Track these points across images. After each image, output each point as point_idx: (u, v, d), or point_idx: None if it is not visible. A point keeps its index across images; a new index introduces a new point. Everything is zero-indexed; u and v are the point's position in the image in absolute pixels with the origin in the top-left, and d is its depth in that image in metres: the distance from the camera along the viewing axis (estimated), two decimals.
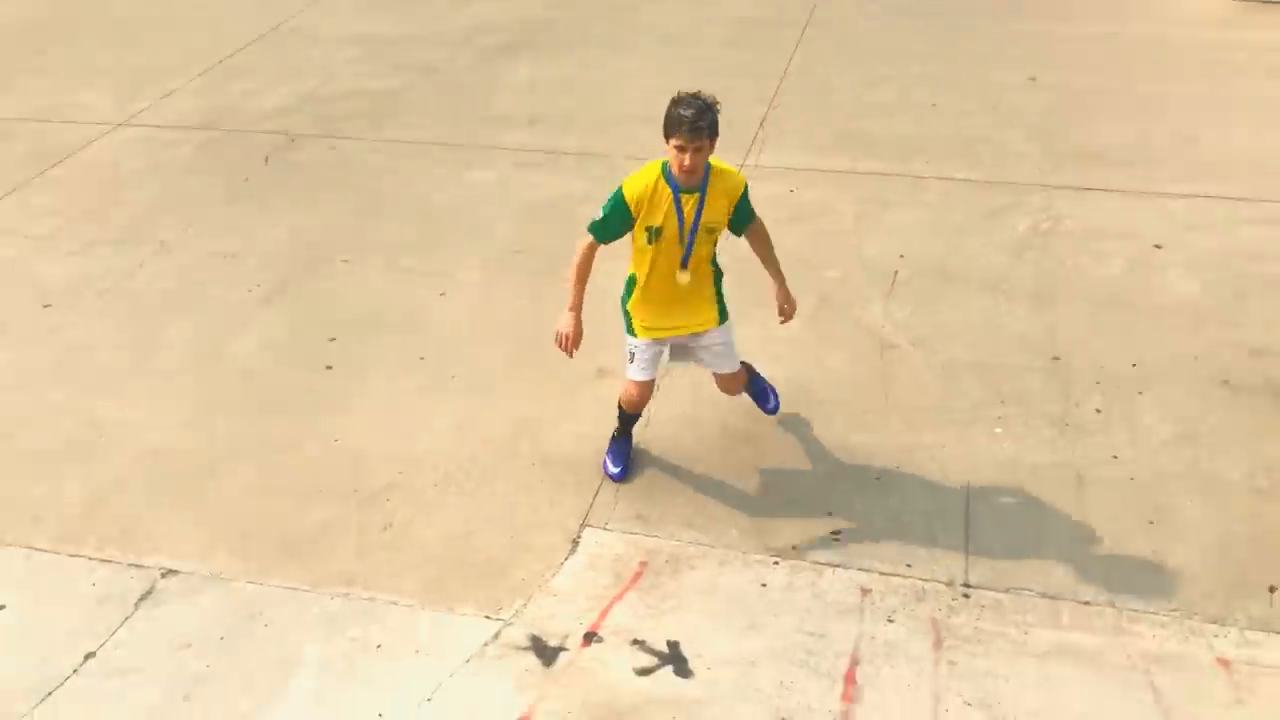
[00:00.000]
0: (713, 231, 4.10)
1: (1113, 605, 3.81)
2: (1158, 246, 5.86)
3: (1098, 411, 4.74)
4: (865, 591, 3.90)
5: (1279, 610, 3.77)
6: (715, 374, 4.45)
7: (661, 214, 4.00)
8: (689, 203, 3.99)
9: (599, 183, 6.72)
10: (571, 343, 4.23)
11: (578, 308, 4.22)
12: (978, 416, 4.76)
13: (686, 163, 3.87)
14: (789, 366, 5.06)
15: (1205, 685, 3.47)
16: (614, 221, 4.09)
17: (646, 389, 4.36)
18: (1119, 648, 3.62)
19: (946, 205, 6.32)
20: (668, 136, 3.88)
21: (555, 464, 4.56)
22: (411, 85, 8.25)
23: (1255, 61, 8.01)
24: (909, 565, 4.01)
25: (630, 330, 4.31)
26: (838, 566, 4.03)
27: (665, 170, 3.98)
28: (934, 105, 7.56)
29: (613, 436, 4.56)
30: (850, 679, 3.50)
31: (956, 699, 3.41)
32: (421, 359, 5.24)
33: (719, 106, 3.87)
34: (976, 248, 5.92)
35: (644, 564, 4.06)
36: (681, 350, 4.38)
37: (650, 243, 4.06)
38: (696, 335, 4.29)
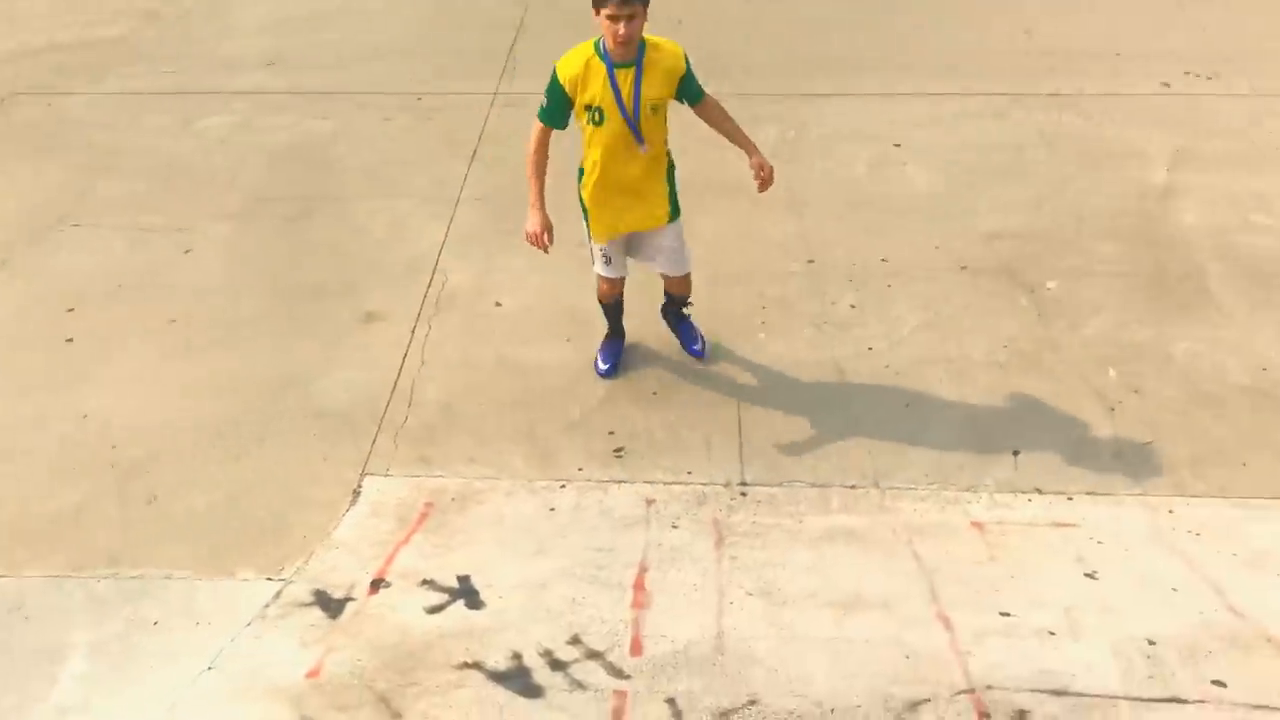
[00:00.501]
0: (657, 109, 3.95)
1: (877, 486, 4.04)
2: (896, 145, 6.16)
3: (852, 307, 4.98)
4: (650, 502, 3.99)
5: (1023, 472, 4.09)
6: (664, 276, 4.46)
7: (598, 91, 3.86)
8: (625, 78, 3.83)
9: (347, 121, 6.50)
10: (541, 239, 4.11)
11: (539, 203, 4.10)
12: (744, 324, 4.91)
13: (621, 32, 3.69)
14: (565, 292, 5.07)
15: (961, 547, 3.74)
16: (553, 103, 3.95)
17: (617, 284, 4.43)
18: (884, 524, 3.85)
19: (695, 118, 6.40)
20: (597, 8, 3.71)
21: (328, 415, 4.42)
22: (134, 32, 7.68)
23: None
24: (689, 472, 4.13)
25: (588, 231, 4.29)
26: (622, 482, 4.10)
27: (599, 46, 3.84)
28: (680, 22, 7.62)
29: (605, 336, 4.63)
30: (639, 586, 3.59)
31: (739, 590, 3.56)
32: (172, 321, 4.95)
33: None
34: (728, 157, 6.04)
35: (430, 505, 4.01)
36: (635, 248, 4.35)
37: (595, 123, 3.95)
38: (649, 233, 4.26)
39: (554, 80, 3.94)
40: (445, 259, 5.31)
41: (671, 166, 4.26)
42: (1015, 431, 4.28)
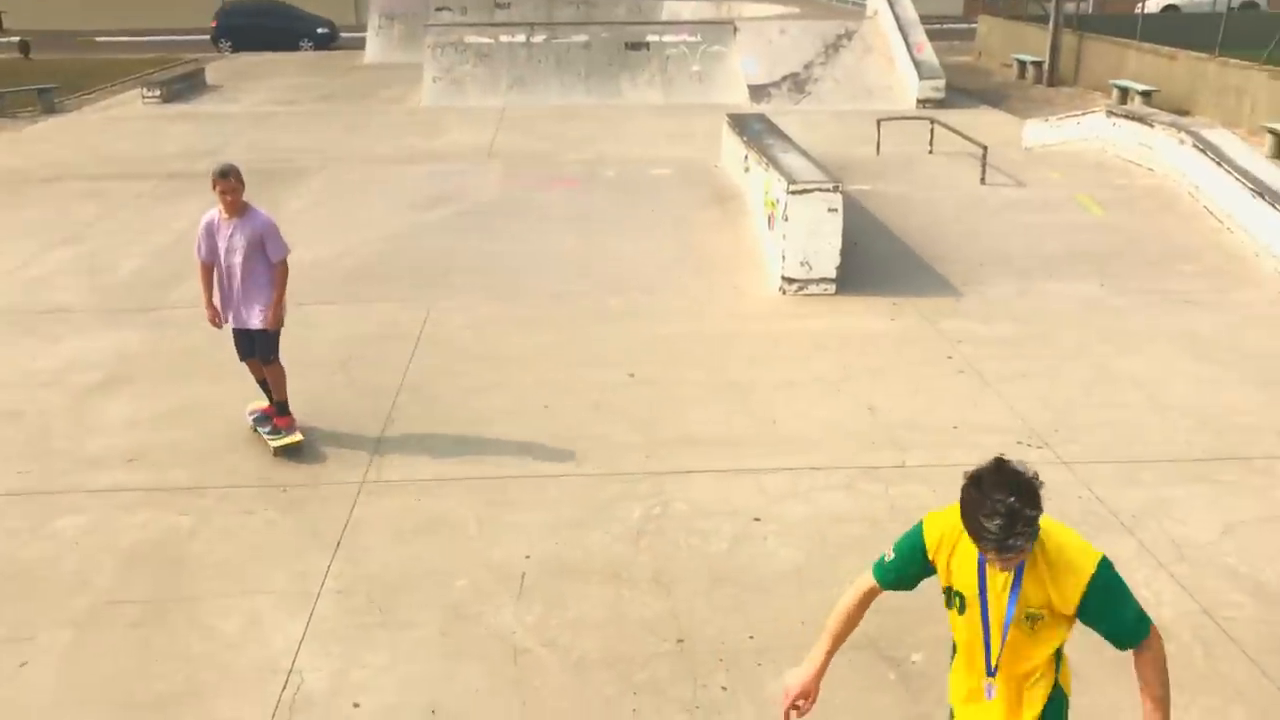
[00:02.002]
0: (1036, 621, 3.00)
1: None
2: (757, 520, 6.35)
3: (724, 689, 4.91)
4: None
5: None
6: None
7: (963, 575, 3.05)
8: (998, 576, 2.97)
9: (206, 516, 6.41)
10: (791, 705, 3.40)
11: (818, 661, 3.41)
12: (612, 711, 4.77)
13: (996, 564, 2.94)
14: (428, 687, 4.88)
15: None
16: (901, 561, 3.22)
17: None
18: None
19: (565, 501, 6.54)
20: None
21: None
22: None
23: (809, 346, 9.14)
24: None
25: None
26: None
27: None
28: (546, 407, 7.95)
29: None
30: None
31: None
32: None
33: (1040, 485, 2.92)
34: (597, 540, 6.13)
35: None
36: None
37: (955, 610, 3.12)
38: None
39: (917, 535, 3.24)
40: (302, 658, 5.11)
41: (1058, 701, 3.23)
42: None
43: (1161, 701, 2.94)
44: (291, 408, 7.30)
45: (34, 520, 6.41)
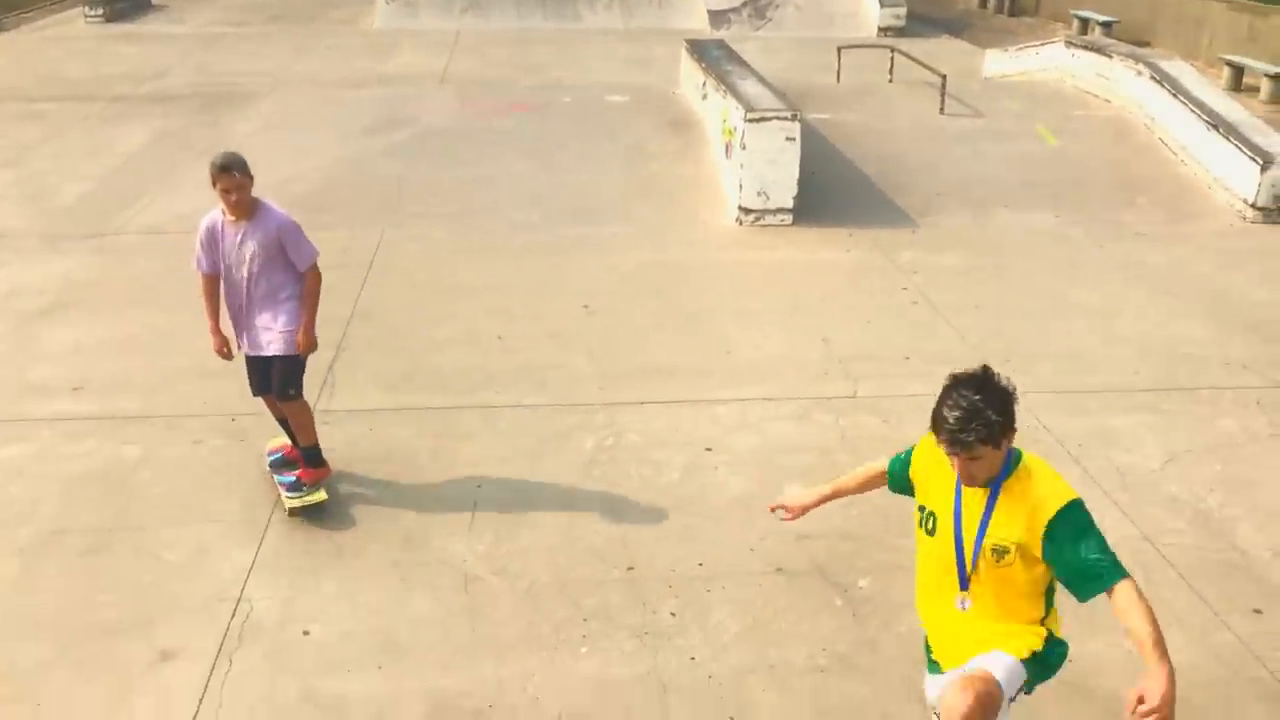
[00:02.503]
0: (1002, 555, 3.05)
1: None
2: (708, 449, 6.37)
3: (673, 615, 4.96)
4: None
5: None
6: None
7: (939, 495, 3.14)
8: (973, 501, 3.06)
9: (154, 446, 6.33)
10: (779, 505, 3.84)
11: (815, 495, 3.80)
12: (564, 636, 4.81)
13: (957, 469, 3.06)
14: (377, 615, 4.89)
15: None
16: (899, 465, 3.42)
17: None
18: None
19: (519, 431, 6.52)
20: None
21: None
22: None
23: (765, 277, 9.13)
24: None
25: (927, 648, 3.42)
26: None
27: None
28: (500, 337, 7.89)
29: None
30: None
31: None
32: None
33: (1014, 391, 3.05)
34: (549, 470, 6.13)
35: None
36: None
37: (925, 530, 3.22)
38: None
39: (909, 454, 3.41)
40: (250, 587, 5.09)
41: (1039, 641, 3.27)
42: None
43: (1155, 638, 2.88)
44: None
45: None
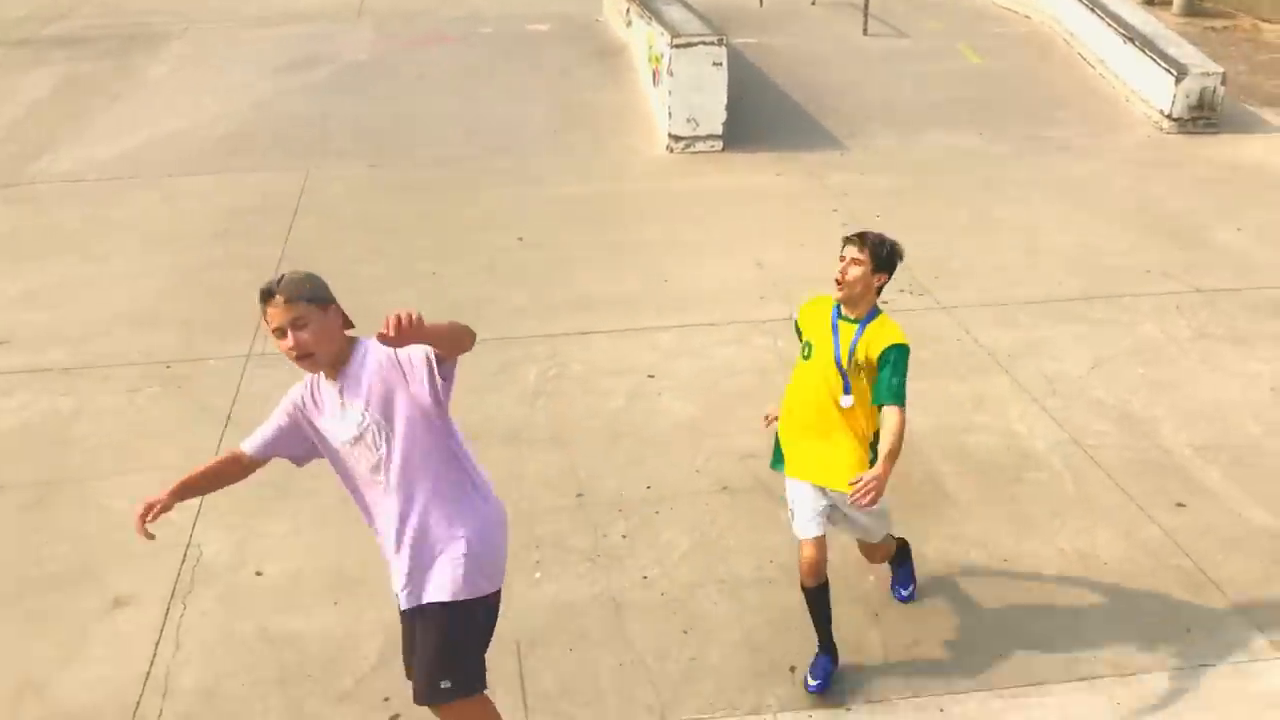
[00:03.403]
0: (862, 370, 3.97)
1: (662, 718, 4.02)
2: (651, 376, 6.44)
3: (624, 537, 5.05)
4: None
5: (800, 688, 4.17)
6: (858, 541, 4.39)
7: (817, 328, 4.07)
8: (845, 332, 4.01)
9: (89, 396, 6.24)
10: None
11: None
12: (517, 564, 4.86)
13: (839, 271, 3.99)
14: (329, 552, 4.91)
15: None
16: (798, 321, 4.25)
17: (816, 548, 4.01)
18: None
19: (461, 366, 6.50)
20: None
21: (72, 718, 4.04)
22: None
23: (697, 204, 9.16)
24: None
25: (776, 458, 4.28)
26: None
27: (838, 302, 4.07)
28: (434, 274, 7.84)
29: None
30: None
31: None
32: None
33: (887, 247, 3.99)
34: (495, 402, 6.16)
35: None
36: (832, 508, 4.10)
37: (803, 357, 4.12)
38: (838, 492, 4.02)
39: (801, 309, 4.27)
40: (199, 532, 5.07)
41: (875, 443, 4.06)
42: (790, 647, 4.37)
43: (892, 452, 3.81)
44: (163, 283, 7.02)
45: None
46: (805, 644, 4.32)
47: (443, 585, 3.22)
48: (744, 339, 6.89)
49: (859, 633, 4.44)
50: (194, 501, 5.27)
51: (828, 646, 4.20)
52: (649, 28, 11.36)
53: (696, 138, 10.34)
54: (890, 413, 3.87)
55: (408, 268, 7.93)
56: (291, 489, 5.38)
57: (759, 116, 10.98)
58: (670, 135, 10.36)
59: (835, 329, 4.03)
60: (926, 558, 4.86)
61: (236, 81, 12.45)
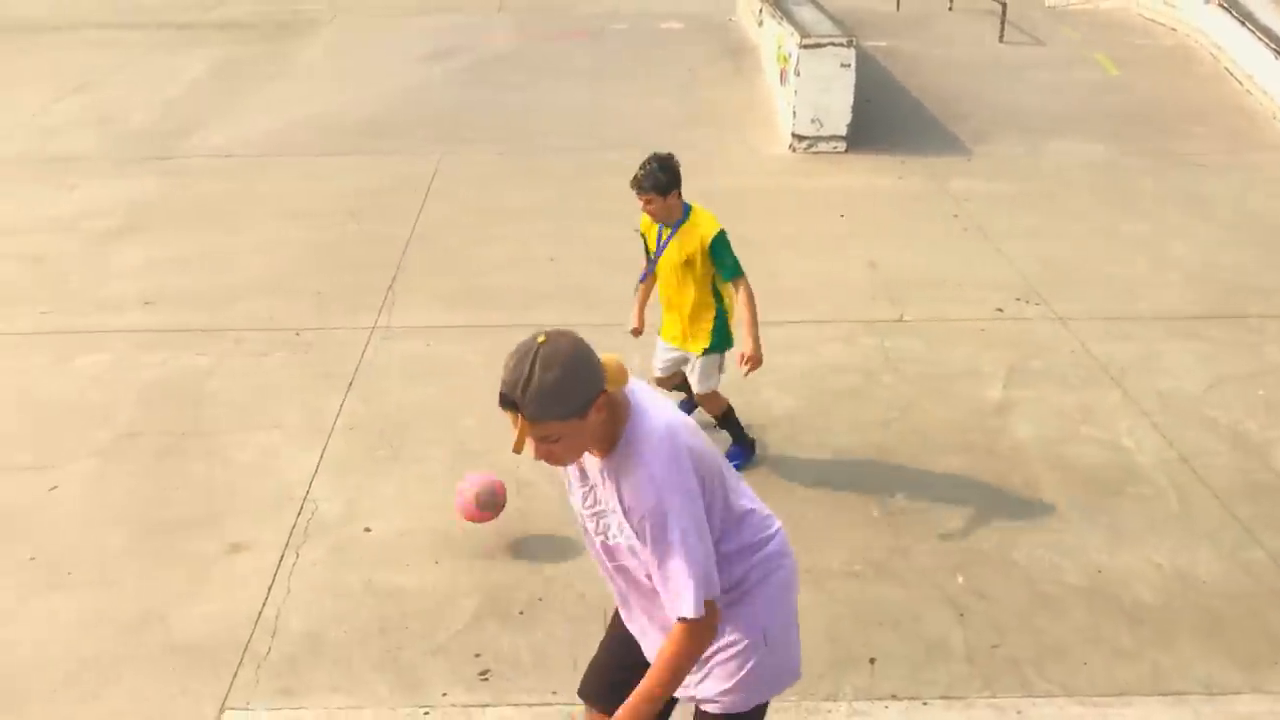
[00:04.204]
0: (689, 264, 5.07)
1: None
2: None
3: None
4: None
5: (879, 679, 4.22)
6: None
7: (652, 237, 5.23)
8: (664, 235, 5.16)
9: (222, 357, 6.63)
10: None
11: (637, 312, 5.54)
12: None
13: (645, 211, 5.11)
14: (434, 515, 5.15)
15: None
16: (644, 232, 5.35)
17: (660, 383, 5.56)
18: None
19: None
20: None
21: (188, 650, 4.35)
22: (13, 276, 7.79)
23: (815, 203, 9.19)
24: (554, 693, 4.15)
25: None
26: (487, 706, 4.10)
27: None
28: (551, 259, 8.07)
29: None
30: None
31: None
32: (32, 559, 4.87)
33: (667, 161, 5.00)
34: None
35: None
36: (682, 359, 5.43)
37: (654, 258, 5.24)
38: (687, 354, 5.36)
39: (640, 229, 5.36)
40: (316, 488, 5.37)
41: (719, 314, 5.25)
42: (873, 640, 4.43)
43: (751, 320, 5.02)
44: (299, 256, 7.40)
45: (57, 357, 6.64)
46: (888, 639, 4.38)
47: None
48: (851, 338, 6.91)
49: (942, 630, 4.46)
50: (312, 459, 5.60)
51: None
52: (779, 27, 11.41)
53: (820, 138, 10.36)
54: (738, 285, 5.06)
55: (527, 252, 8.18)
56: (401, 455, 5.66)
57: (885, 120, 10.93)
58: (793, 135, 10.40)
59: (660, 236, 5.18)
60: (1018, 563, 4.85)
61: (380, 68, 12.96)
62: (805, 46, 10.25)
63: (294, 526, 5.08)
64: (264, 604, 4.59)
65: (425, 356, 6.67)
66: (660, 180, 5.02)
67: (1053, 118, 11.21)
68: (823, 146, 10.36)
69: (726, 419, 5.60)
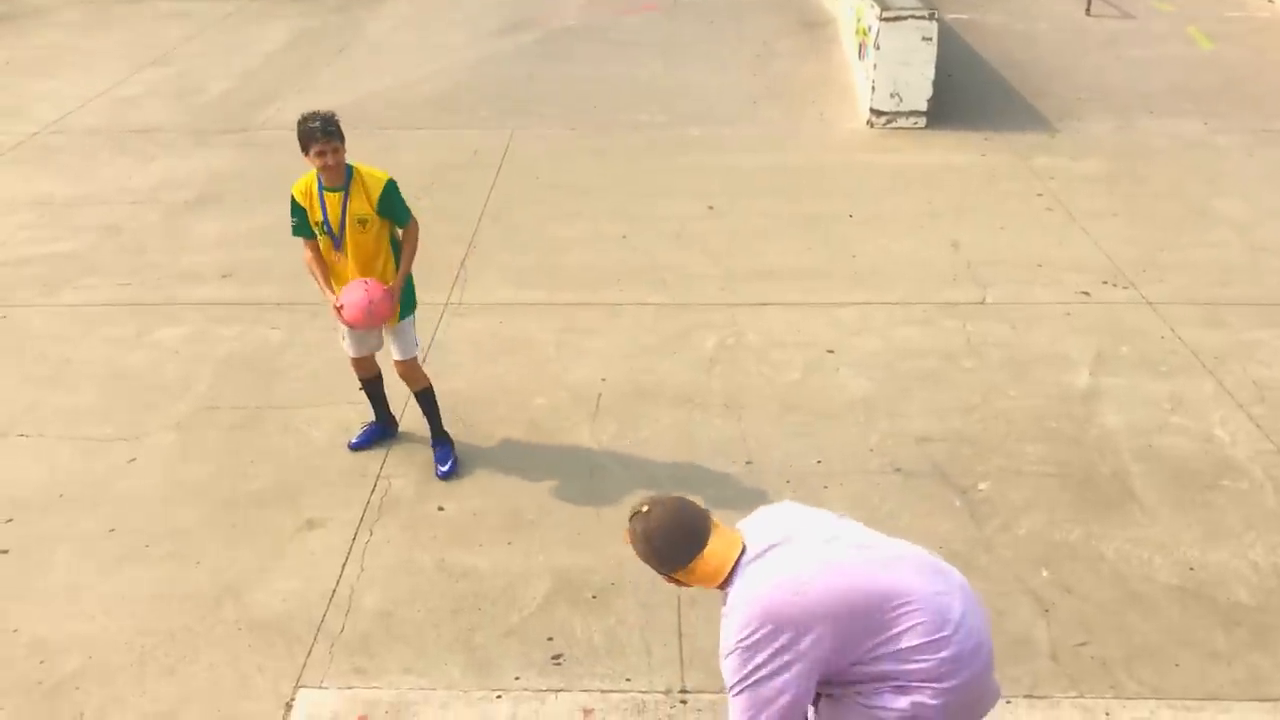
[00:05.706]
0: (365, 223, 4.90)
1: None
2: (830, 351, 6.39)
3: None
4: (587, 712, 3.94)
5: None
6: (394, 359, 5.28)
7: (315, 209, 4.91)
8: (333, 199, 4.88)
9: (298, 330, 6.66)
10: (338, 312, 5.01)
11: (329, 290, 5.07)
12: None
13: (329, 162, 4.76)
14: (508, 495, 5.13)
15: None
16: (297, 217, 4.99)
17: (360, 364, 5.42)
18: None
19: (640, 329, 6.64)
20: (307, 149, 4.76)
21: (263, 626, 4.38)
22: (92, 247, 7.90)
23: (894, 180, 8.98)
24: (628, 679, 4.10)
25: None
26: (560, 691, 4.06)
27: (318, 177, 4.89)
28: (624, 237, 7.99)
29: None
30: None
31: None
32: (111, 531, 4.93)
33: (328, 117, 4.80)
34: (670, 366, 6.25)
35: (363, 718, 3.94)
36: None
37: (322, 233, 4.97)
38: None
39: (292, 201, 4.98)
40: (389, 465, 5.37)
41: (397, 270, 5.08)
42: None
43: (410, 256, 5.08)
44: None
45: (137, 329, 6.72)
46: None
47: None
48: (931, 320, 6.74)
49: (1027, 626, 4.33)
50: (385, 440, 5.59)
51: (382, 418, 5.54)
52: (858, 0, 11.16)
53: (899, 113, 10.12)
54: (409, 229, 5.07)
55: (599, 229, 8.10)
56: (474, 433, 5.63)
57: (966, 95, 10.65)
58: (872, 110, 10.17)
59: (323, 200, 4.89)
60: (1106, 557, 4.69)
61: (451, 41, 12.92)
62: (885, 19, 10.00)
63: (368, 503, 5.09)
64: (338, 581, 4.60)
65: (497, 333, 6.64)
66: (329, 122, 4.79)
67: (1142, 94, 10.83)
68: (902, 122, 10.12)
69: (429, 399, 5.36)
